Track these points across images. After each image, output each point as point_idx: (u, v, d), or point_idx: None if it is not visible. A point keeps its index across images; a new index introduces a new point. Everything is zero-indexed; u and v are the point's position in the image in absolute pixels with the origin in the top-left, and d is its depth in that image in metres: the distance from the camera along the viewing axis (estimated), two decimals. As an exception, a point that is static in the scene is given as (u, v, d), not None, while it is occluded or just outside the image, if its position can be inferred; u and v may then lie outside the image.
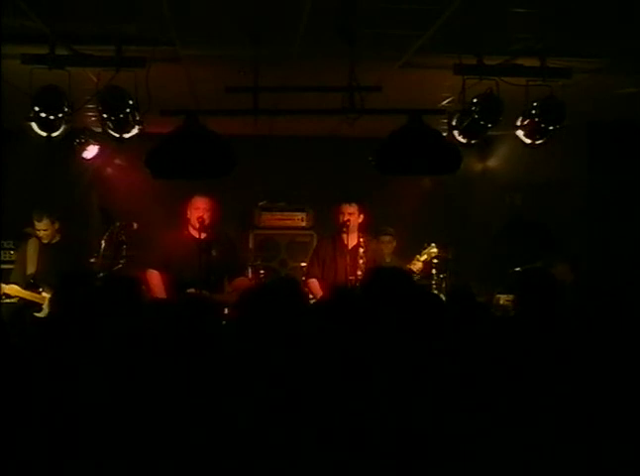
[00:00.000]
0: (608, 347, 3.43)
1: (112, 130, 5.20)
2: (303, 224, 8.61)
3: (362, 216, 6.36)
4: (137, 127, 5.18)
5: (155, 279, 6.03)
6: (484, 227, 8.76)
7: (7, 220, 5.81)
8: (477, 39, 4.82)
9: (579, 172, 7.53)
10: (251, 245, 8.49)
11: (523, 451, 2.86)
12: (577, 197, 7.54)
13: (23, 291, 6.15)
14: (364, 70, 4.80)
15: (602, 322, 3.65)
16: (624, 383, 3.20)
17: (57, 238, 6.42)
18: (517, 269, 6.60)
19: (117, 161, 8.39)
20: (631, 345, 3.43)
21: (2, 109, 4.65)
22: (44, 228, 6.31)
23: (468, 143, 5.48)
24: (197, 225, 5.96)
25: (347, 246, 6.23)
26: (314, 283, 6.36)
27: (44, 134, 5.07)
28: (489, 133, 5.55)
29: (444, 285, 7.10)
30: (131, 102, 5.01)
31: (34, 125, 5.03)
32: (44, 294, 6.10)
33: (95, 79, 4.98)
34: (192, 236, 6.08)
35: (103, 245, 6.48)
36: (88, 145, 7.36)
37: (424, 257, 6.47)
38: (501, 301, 6.49)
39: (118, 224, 6.61)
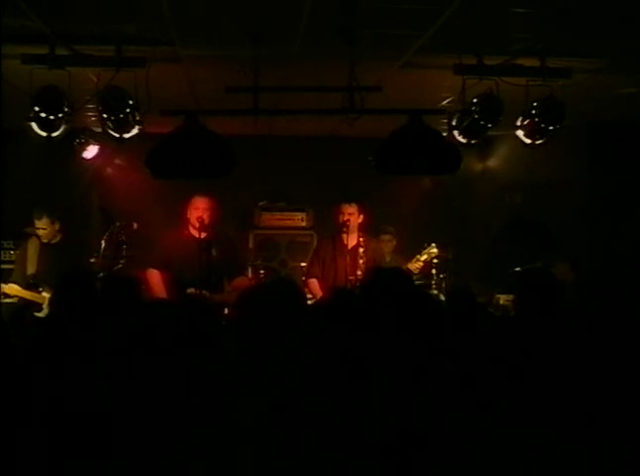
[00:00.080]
0: (608, 347, 3.43)
1: (112, 130, 5.20)
2: (303, 224, 8.61)
3: (362, 216, 6.36)
4: (137, 127, 5.18)
5: (155, 278, 6.03)
6: (484, 227, 8.76)
7: (7, 220, 5.81)
8: (477, 39, 4.82)
9: (579, 172, 7.52)
10: (251, 245, 8.50)
11: (523, 451, 2.86)
12: (577, 197, 7.54)
13: (23, 290, 6.15)
14: (364, 70, 4.80)
15: (602, 322, 3.65)
16: (624, 383, 3.20)
17: (58, 238, 6.41)
18: (517, 269, 6.60)
19: (117, 161, 8.39)
20: (631, 345, 3.43)
21: (2, 109, 4.65)
22: (43, 227, 6.31)
23: (468, 143, 5.48)
24: (197, 225, 5.97)
25: (347, 246, 6.23)
26: (314, 283, 6.37)
27: (44, 134, 5.07)
28: (489, 133, 5.55)
29: (444, 285, 7.10)
30: (131, 102, 5.01)
31: (34, 125, 5.03)
32: (44, 293, 6.10)
33: (95, 79, 4.98)
34: (192, 236, 6.08)
35: (103, 245, 6.48)
36: (88, 145, 7.36)
37: (424, 257, 6.47)
38: (501, 301, 6.49)
39: (118, 224, 6.62)
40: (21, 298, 6.16)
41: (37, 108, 4.94)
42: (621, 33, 4.58)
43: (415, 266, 6.39)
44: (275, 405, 2.83)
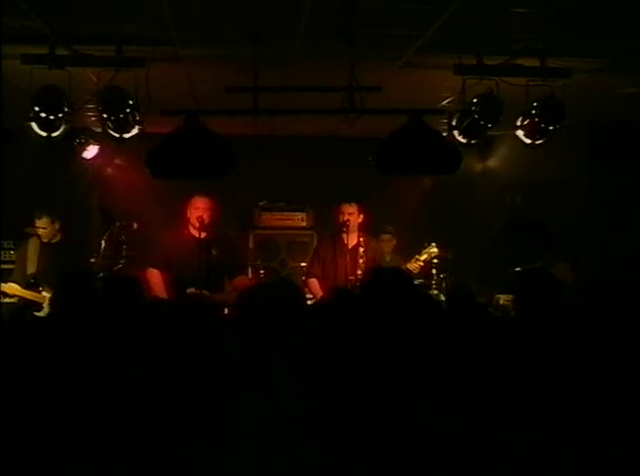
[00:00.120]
0: (608, 347, 3.43)
1: (112, 130, 5.20)
2: (303, 224, 8.61)
3: (361, 216, 6.36)
4: (137, 127, 5.18)
5: (155, 278, 6.04)
6: (484, 227, 8.76)
7: (7, 220, 5.81)
8: (477, 39, 4.82)
9: (579, 172, 7.52)
10: (251, 245, 8.50)
11: (523, 451, 2.86)
12: (577, 197, 7.54)
13: (22, 290, 6.15)
14: (364, 70, 4.80)
15: (602, 322, 3.65)
16: (624, 383, 3.20)
17: (58, 237, 6.42)
18: (517, 269, 6.60)
19: (117, 161, 8.39)
20: (631, 345, 3.43)
21: (2, 109, 4.64)
22: (43, 226, 6.31)
23: (468, 143, 5.48)
24: (197, 225, 5.97)
25: (347, 246, 6.23)
26: (314, 282, 6.37)
27: (44, 134, 5.07)
28: (489, 133, 5.55)
29: (444, 285, 7.10)
30: (131, 102, 5.01)
31: (34, 125, 5.03)
32: (44, 293, 6.11)
33: (95, 79, 4.98)
34: (192, 236, 6.08)
35: (103, 245, 6.49)
36: (88, 145, 7.36)
37: (424, 256, 6.47)
38: (501, 301, 6.49)
39: (118, 224, 6.62)
40: (21, 298, 6.16)
41: (37, 108, 4.94)
42: (621, 33, 4.58)
43: (415, 265, 6.39)
44: (275, 405, 2.83)
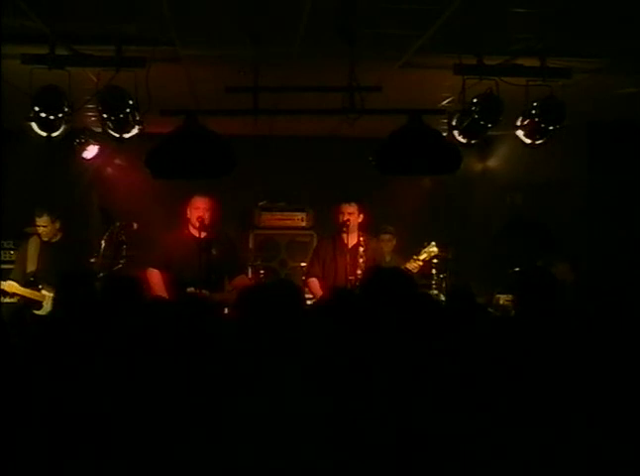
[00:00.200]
0: (608, 347, 3.43)
1: (112, 130, 5.20)
2: (303, 224, 8.61)
3: (361, 216, 6.37)
4: (137, 127, 5.18)
5: (155, 278, 6.05)
6: (484, 227, 8.76)
7: (7, 220, 5.81)
8: (477, 39, 4.82)
9: (579, 172, 7.52)
10: (251, 245, 8.49)
11: (523, 451, 2.86)
12: (577, 197, 7.54)
13: (21, 288, 6.15)
14: (364, 70, 4.80)
15: (602, 322, 3.65)
16: (624, 383, 3.20)
17: (58, 237, 6.42)
18: (517, 269, 6.60)
19: (117, 161, 8.39)
20: (631, 345, 3.43)
21: (2, 109, 4.64)
22: (43, 225, 6.32)
23: (468, 143, 5.48)
24: (197, 225, 5.97)
25: (347, 246, 6.23)
26: (314, 282, 6.37)
27: (44, 134, 5.07)
28: (489, 133, 5.55)
29: (444, 285, 7.10)
30: (131, 102, 5.01)
31: (34, 125, 5.03)
32: (43, 291, 6.11)
33: (95, 79, 4.98)
34: (192, 236, 6.09)
35: (103, 245, 6.48)
36: (88, 145, 7.36)
37: (423, 256, 6.47)
38: (501, 301, 6.49)
39: (118, 224, 6.62)
40: (21, 297, 6.16)
41: (37, 108, 4.94)
42: (621, 33, 4.58)
43: (414, 265, 6.38)
44: (275, 404, 2.83)
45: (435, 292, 7.05)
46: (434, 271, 7.10)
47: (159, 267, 6.07)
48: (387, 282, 3.71)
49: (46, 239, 6.36)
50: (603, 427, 2.99)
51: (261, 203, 8.62)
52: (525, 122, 5.39)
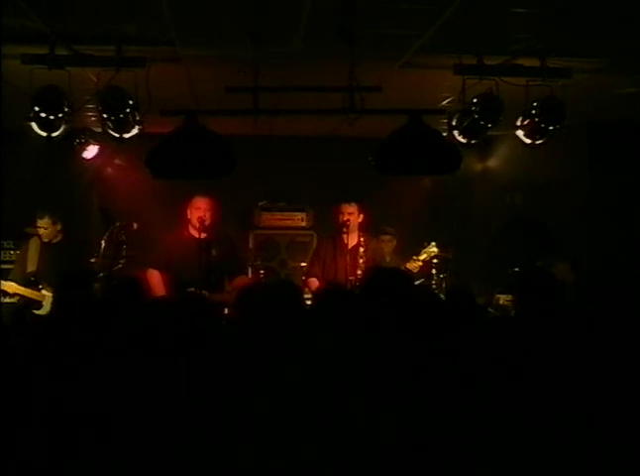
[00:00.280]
0: (608, 347, 3.43)
1: (112, 130, 5.20)
2: (303, 224, 8.61)
3: (361, 216, 6.36)
4: (137, 127, 5.17)
5: (155, 278, 6.05)
6: (484, 227, 8.75)
7: (7, 220, 5.80)
8: (477, 39, 4.82)
9: (579, 172, 7.52)
10: (251, 245, 8.49)
11: (523, 451, 2.87)
12: (577, 197, 7.54)
13: (21, 288, 6.15)
14: (364, 70, 4.80)
15: (602, 322, 3.65)
16: (624, 383, 3.20)
17: (59, 238, 6.43)
18: (517, 269, 6.60)
19: (117, 161, 8.38)
20: (631, 345, 3.43)
21: (2, 109, 4.64)
22: (44, 226, 6.32)
23: (468, 143, 5.48)
24: (197, 225, 5.97)
25: (347, 246, 6.22)
26: (314, 282, 6.37)
27: (44, 134, 5.07)
28: (489, 133, 5.55)
29: (444, 285, 7.09)
30: (131, 102, 5.01)
31: (34, 125, 5.03)
32: (43, 291, 6.11)
33: (95, 79, 4.98)
34: (192, 236, 6.09)
35: (103, 245, 6.48)
36: (88, 145, 7.36)
37: (423, 256, 6.47)
38: (501, 301, 6.48)
39: (118, 224, 6.61)
40: (21, 297, 6.16)
41: (37, 108, 4.94)
42: (621, 33, 4.58)
43: (414, 265, 6.38)
44: (275, 404, 2.83)
45: (435, 292, 7.04)
46: (434, 271, 7.09)
47: (158, 267, 6.07)
48: (387, 282, 3.71)
49: (46, 240, 6.37)
50: (603, 427, 2.99)
51: (261, 203, 8.62)
52: (525, 122, 5.39)
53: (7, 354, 3.39)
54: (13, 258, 6.98)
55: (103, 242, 6.50)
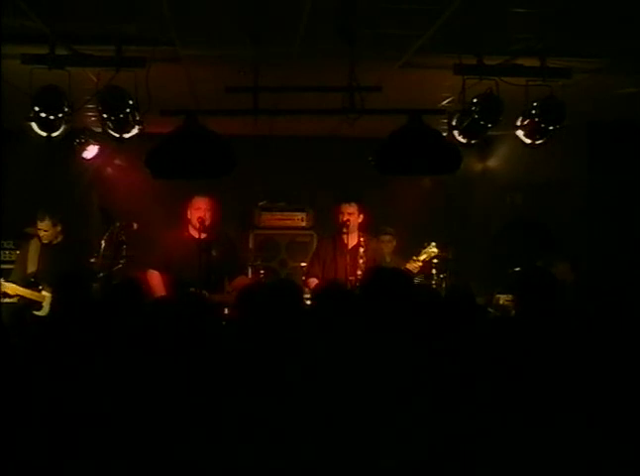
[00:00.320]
0: (608, 347, 3.43)
1: (112, 130, 5.20)
2: (303, 224, 8.61)
3: (361, 216, 6.36)
4: (137, 127, 5.17)
5: (155, 279, 6.05)
6: (484, 227, 8.75)
7: (7, 220, 5.81)
8: (477, 39, 4.82)
9: (579, 172, 7.52)
10: (251, 245, 8.49)
11: (523, 451, 2.87)
12: (577, 197, 7.54)
13: (21, 289, 6.14)
14: (364, 70, 4.80)
15: (602, 322, 3.65)
16: (624, 383, 3.20)
17: (59, 239, 6.43)
18: (517, 269, 6.59)
19: (117, 161, 8.38)
20: (631, 345, 3.43)
21: (2, 109, 4.64)
22: (44, 228, 6.32)
23: (468, 143, 5.48)
24: (197, 225, 5.97)
25: (347, 246, 6.22)
26: (314, 282, 6.36)
27: (44, 134, 5.07)
28: (489, 133, 5.55)
29: (444, 285, 7.09)
30: (131, 102, 5.01)
31: (34, 125, 5.03)
32: (44, 292, 6.11)
33: (95, 79, 4.98)
34: (192, 236, 6.09)
35: (103, 245, 6.48)
36: (88, 145, 7.36)
37: (423, 256, 6.47)
38: (501, 301, 6.48)
39: (118, 224, 6.61)
40: (21, 298, 6.16)
41: (37, 108, 4.94)
42: (621, 33, 4.58)
43: (414, 266, 6.38)
44: (275, 404, 2.83)
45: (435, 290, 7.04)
46: (434, 271, 7.08)
47: (158, 268, 6.07)
48: (387, 282, 3.70)
49: (46, 241, 6.36)
50: (603, 427, 2.99)
51: (261, 203, 8.62)
52: (525, 122, 5.39)
53: (7, 354, 3.39)
54: (13, 258, 6.98)
55: (103, 242, 6.50)
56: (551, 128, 5.34)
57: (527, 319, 3.86)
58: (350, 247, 6.24)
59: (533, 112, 5.30)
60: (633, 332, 3.52)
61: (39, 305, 6.11)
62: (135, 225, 6.66)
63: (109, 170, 8.54)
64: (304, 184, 8.68)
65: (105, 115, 5.07)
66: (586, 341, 3.50)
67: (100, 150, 7.44)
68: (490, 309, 6.12)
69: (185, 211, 6.17)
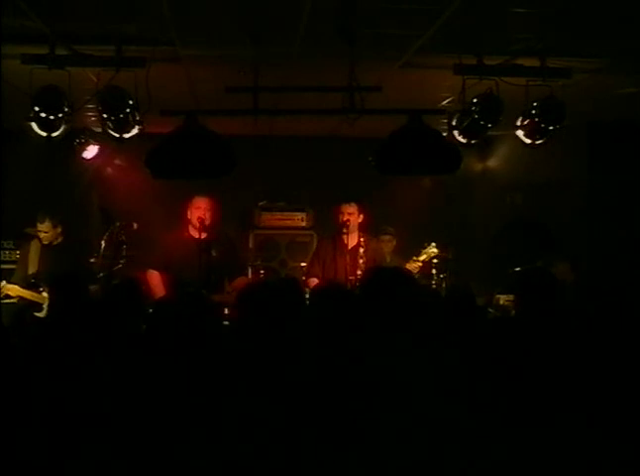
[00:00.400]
0: (608, 347, 3.43)
1: (112, 130, 5.20)
2: (303, 224, 8.61)
3: (361, 216, 6.37)
4: (137, 127, 5.18)
5: (155, 279, 6.06)
6: (484, 227, 8.76)
7: (7, 220, 5.80)
8: (477, 39, 4.82)
9: (579, 172, 7.52)
10: (251, 245, 8.49)
11: (523, 451, 2.86)
12: (577, 197, 7.54)
13: (23, 290, 6.15)
14: (364, 70, 4.80)
15: (602, 322, 3.65)
16: (624, 383, 3.20)
17: (60, 240, 6.43)
18: (517, 269, 6.59)
19: (117, 161, 8.38)
20: (631, 345, 3.43)
21: (2, 109, 4.64)
22: (45, 230, 6.32)
23: (468, 143, 5.48)
24: (197, 225, 5.97)
25: (347, 246, 6.23)
26: (315, 282, 6.36)
27: (44, 134, 5.07)
28: (489, 133, 5.55)
29: (444, 285, 7.09)
30: (131, 102, 5.01)
31: (34, 125, 5.03)
32: (44, 293, 6.11)
33: (95, 79, 4.98)
34: (192, 236, 6.09)
35: (103, 245, 6.48)
36: (88, 145, 7.36)
37: (423, 257, 6.47)
38: (501, 301, 6.48)
39: (118, 224, 6.61)
40: (21, 298, 6.16)
41: (37, 108, 4.94)
42: (621, 33, 4.58)
43: (414, 266, 6.39)
44: (275, 404, 2.83)
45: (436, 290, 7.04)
46: (434, 271, 7.08)
47: (158, 268, 6.07)
48: (387, 282, 3.70)
49: (46, 243, 6.36)
50: (603, 427, 2.99)
51: (261, 203, 8.62)
52: (525, 122, 5.39)
53: (7, 354, 3.39)
54: (13, 258, 6.98)
55: (103, 242, 6.49)
56: (551, 128, 5.34)
57: (527, 319, 3.87)
58: (350, 247, 6.24)
59: (533, 112, 5.30)
60: (633, 332, 3.52)
61: (39, 307, 6.11)
62: (135, 225, 6.66)
63: (109, 170, 8.55)
64: (304, 184, 8.68)
65: (105, 115, 5.07)
66: (586, 341, 3.50)
67: (100, 150, 7.44)
68: (490, 309, 6.11)
69: (185, 211, 6.17)
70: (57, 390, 3.03)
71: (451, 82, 5.35)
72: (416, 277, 6.48)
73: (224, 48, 5.01)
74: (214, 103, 5.74)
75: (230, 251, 6.31)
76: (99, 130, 6.22)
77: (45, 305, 6.05)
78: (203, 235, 5.94)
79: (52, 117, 4.98)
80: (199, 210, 6.03)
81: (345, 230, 6.21)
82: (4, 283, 6.14)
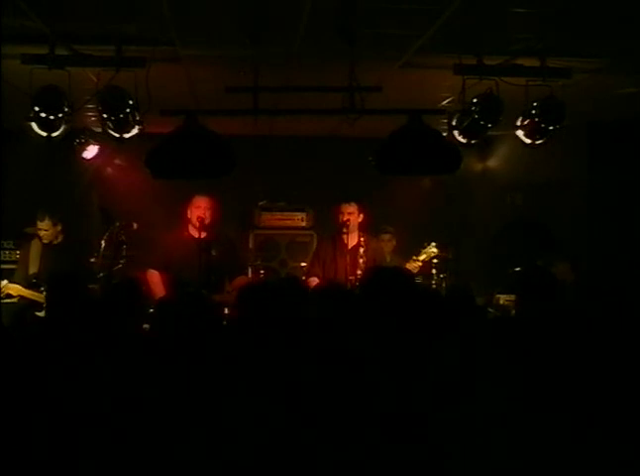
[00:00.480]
0: (608, 347, 3.43)
1: (112, 130, 5.20)
2: (303, 224, 8.61)
3: (361, 216, 6.37)
4: (137, 127, 5.17)
5: (155, 279, 6.05)
6: (484, 227, 8.76)
7: (7, 220, 5.80)
8: (477, 39, 4.82)
9: (579, 172, 7.53)
10: (251, 245, 8.49)
11: (523, 451, 2.87)
12: (577, 197, 7.54)
13: (24, 290, 6.16)
14: (364, 70, 4.80)
15: (602, 322, 3.65)
16: (624, 383, 3.20)
17: (60, 239, 6.43)
18: (517, 269, 6.60)
19: (117, 161, 8.38)
20: (631, 345, 3.43)
21: (2, 109, 4.64)
22: (45, 228, 6.32)
23: (468, 143, 5.48)
24: (197, 225, 5.97)
25: (347, 246, 6.23)
26: (315, 282, 6.36)
27: (44, 134, 5.07)
28: (489, 133, 5.55)
29: (444, 285, 7.09)
30: (131, 102, 5.01)
31: (34, 125, 5.03)
32: (45, 293, 6.11)
33: (95, 79, 4.98)
34: (192, 236, 6.09)
35: (103, 245, 6.48)
36: (88, 145, 7.36)
37: (423, 256, 6.47)
38: (501, 301, 6.48)
39: (118, 224, 6.61)
40: (22, 298, 6.17)
41: (37, 108, 4.94)
42: (621, 33, 4.58)
43: (413, 266, 6.39)
44: (275, 404, 2.83)
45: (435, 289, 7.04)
46: (434, 271, 7.08)
47: (158, 268, 6.07)
48: (387, 282, 3.71)
49: (46, 242, 6.36)
50: (604, 427, 2.99)
51: (261, 203, 8.62)
52: (525, 122, 5.39)
53: (7, 354, 3.39)
54: (13, 258, 6.98)
55: (103, 242, 6.50)
56: (551, 128, 5.34)
57: (527, 319, 3.87)
58: (350, 247, 6.24)
59: (533, 112, 5.30)
60: (633, 332, 3.52)
61: (40, 306, 6.11)
62: (135, 225, 6.66)
63: (109, 170, 8.54)
64: (304, 184, 8.68)
65: (105, 115, 5.07)
66: (587, 341, 3.50)
67: (100, 150, 7.45)
68: (490, 309, 6.12)
69: (185, 211, 6.17)
70: (57, 389, 3.03)
71: (451, 82, 5.35)
72: (416, 277, 6.50)
73: (224, 48, 5.01)
74: (214, 103, 5.74)
75: (230, 251, 6.30)
76: (99, 130, 6.22)
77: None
78: (203, 235, 5.94)
79: (52, 117, 4.98)
80: (199, 210, 6.03)
81: (345, 230, 6.21)
82: (5, 282, 6.15)
